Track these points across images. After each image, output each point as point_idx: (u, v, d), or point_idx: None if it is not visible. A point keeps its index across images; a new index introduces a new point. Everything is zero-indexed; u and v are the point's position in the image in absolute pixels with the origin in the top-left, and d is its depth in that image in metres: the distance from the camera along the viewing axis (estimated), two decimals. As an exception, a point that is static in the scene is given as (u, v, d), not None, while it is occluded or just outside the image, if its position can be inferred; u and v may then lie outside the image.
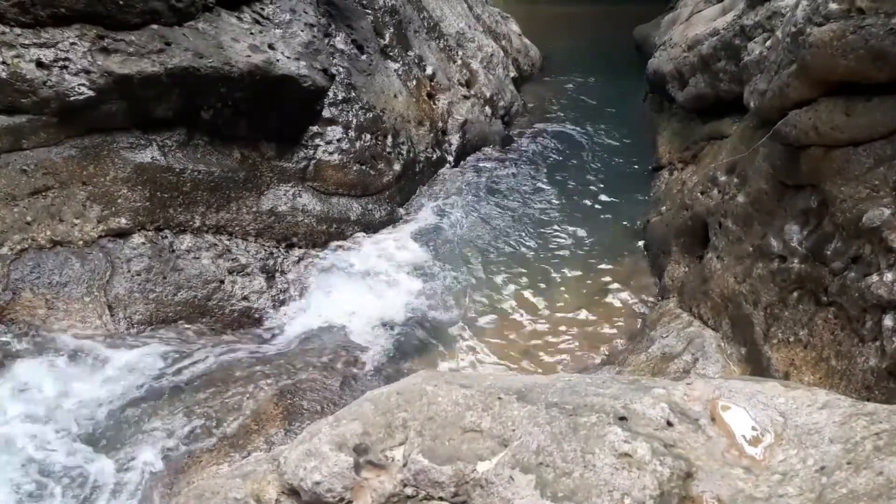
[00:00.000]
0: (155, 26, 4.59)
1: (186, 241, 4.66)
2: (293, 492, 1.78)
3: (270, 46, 5.18)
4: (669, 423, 1.58)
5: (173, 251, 4.56)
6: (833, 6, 2.85)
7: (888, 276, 2.74)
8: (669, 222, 4.97)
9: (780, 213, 3.56)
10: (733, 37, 5.15)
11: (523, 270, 5.44)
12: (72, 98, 4.19)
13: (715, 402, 1.62)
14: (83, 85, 4.21)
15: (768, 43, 4.24)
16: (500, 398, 1.78)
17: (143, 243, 4.46)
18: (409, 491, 1.65)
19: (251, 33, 5.16)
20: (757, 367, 3.51)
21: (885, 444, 1.27)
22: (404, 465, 1.69)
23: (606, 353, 4.49)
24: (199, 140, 4.90)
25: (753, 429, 1.54)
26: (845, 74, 2.93)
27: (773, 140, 3.52)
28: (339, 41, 6.10)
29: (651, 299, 5.01)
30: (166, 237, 4.59)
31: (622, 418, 1.60)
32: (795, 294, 3.38)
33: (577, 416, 1.64)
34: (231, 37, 4.98)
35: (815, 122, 3.14)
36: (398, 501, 1.65)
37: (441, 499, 1.61)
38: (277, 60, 5.10)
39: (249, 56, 4.94)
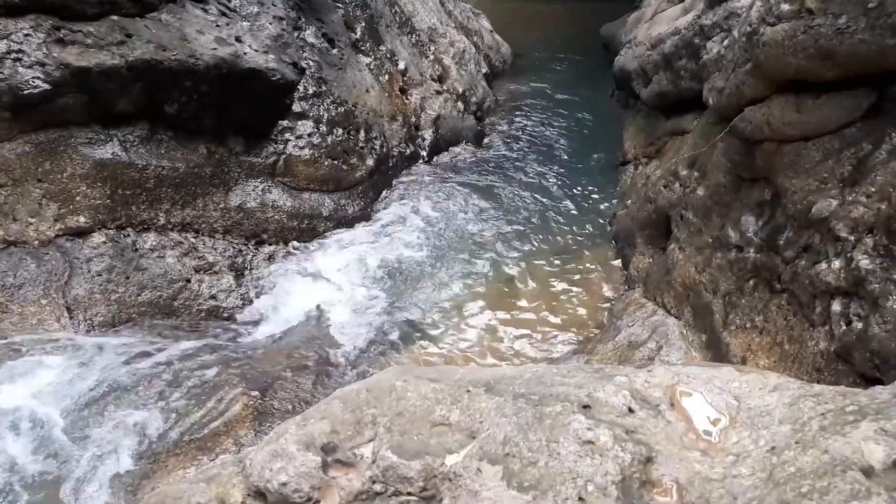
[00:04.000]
0: (115, 17, 4.45)
1: (150, 239, 4.56)
2: (259, 494, 1.77)
3: (237, 39, 5.08)
4: (631, 410, 1.63)
5: (136, 250, 4.46)
6: (784, 7, 2.94)
7: (836, 264, 2.86)
8: (634, 215, 5.07)
9: (736, 205, 3.67)
10: (693, 36, 5.27)
11: (495, 264, 5.49)
12: (26, 91, 4.05)
13: (674, 388, 1.68)
14: (38, 78, 4.08)
15: (725, 42, 4.36)
16: (468, 391, 1.81)
17: (104, 242, 4.35)
18: (377, 488, 1.67)
19: (217, 26, 5.04)
20: (717, 352, 3.61)
21: (830, 424, 1.33)
22: (373, 462, 1.70)
23: (576, 342, 4.56)
24: (162, 135, 4.77)
25: (710, 413, 1.60)
26: (796, 73, 3.04)
27: (730, 135, 3.63)
28: (310, 35, 6.03)
29: (618, 290, 5.11)
30: (129, 236, 4.49)
31: (586, 406, 1.65)
32: (751, 282, 3.49)
33: (542, 405, 1.67)
34: (196, 29, 4.86)
35: (768, 118, 3.24)
36: (366, 499, 1.67)
37: (409, 494, 1.63)
38: (245, 53, 5.01)
39: (215, 49, 4.83)
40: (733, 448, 1.49)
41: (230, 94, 4.92)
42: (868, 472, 1.17)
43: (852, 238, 2.83)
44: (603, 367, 1.93)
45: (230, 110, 5.02)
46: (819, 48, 2.85)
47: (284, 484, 1.72)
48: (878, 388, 1.54)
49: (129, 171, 4.55)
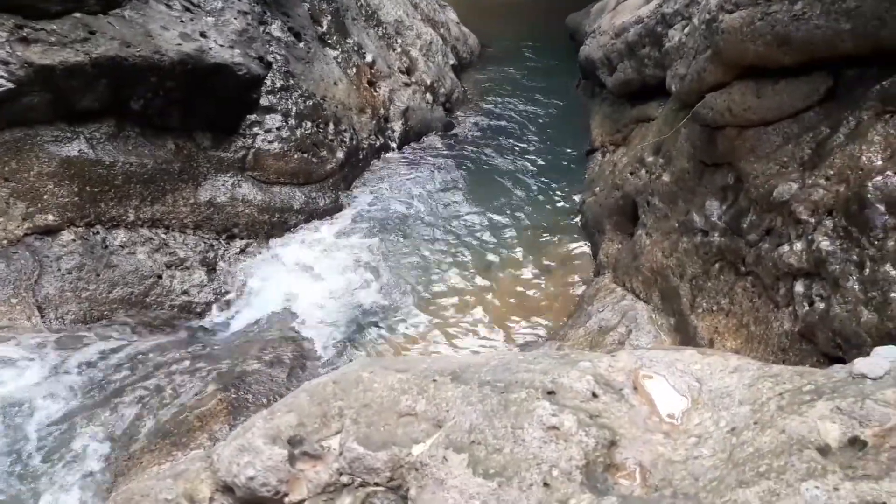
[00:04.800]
0: (78, 14, 4.35)
1: (120, 236, 4.48)
2: (228, 489, 1.73)
3: (202, 34, 5.00)
4: (595, 395, 1.61)
5: (106, 247, 4.37)
6: (742, -7, 2.93)
7: (797, 246, 2.87)
8: (603, 202, 5.06)
9: (701, 190, 3.68)
10: (656, 24, 5.27)
11: (467, 253, 5.46)
12: (-11, 91, 3.93)
13: (637, 371, 1.66)
14: (2, 77, 3.96)
15: (686, 30, 4.36)
16: (434, 380, 1.78)
17: (73, 240, 4.26)
18: (344, 479, 1.63)
19: (181, 21, 4.96)
20: (685, 335, 3.62)
21: (788, 404, 1.32)
22: (340, 454, 1.66)
23: (549, 329, 4.56)
24: (129, 131, 4.69)
25: (672, 395, 1.59)
26: (755, 59, 3.03)
27: (693, 122, 3.63)
28: (275, 29, 5.93)
29: (589, 276, 5.11)
30: (98, 233, 4.40)
31: (550, 392, 1.62)
32: (717, 266, 3.51)
33: (508, 392, 1.65)
34: (160, 25, 4.78)
35: (729, 104, 3.24)
36: (334, 491, 1.63)
37: (377, 484, 1.59)
38: (210, 48, 4.92)
39: (180, 44, 4.76)
40: (695, 430, 1.48)
41: (196, 90, 4.83)
42: (824, 450, 1.16)
43: (813, 220, 2.84)
44: (568, 352, 1.91)
45: (197, 105, 4.93)
46: (776, 34, 2.85)
47: (252, 478, 1.69)
48: (836, 367, 1.53)
49: (97, 168, 4.46)
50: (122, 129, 4.66)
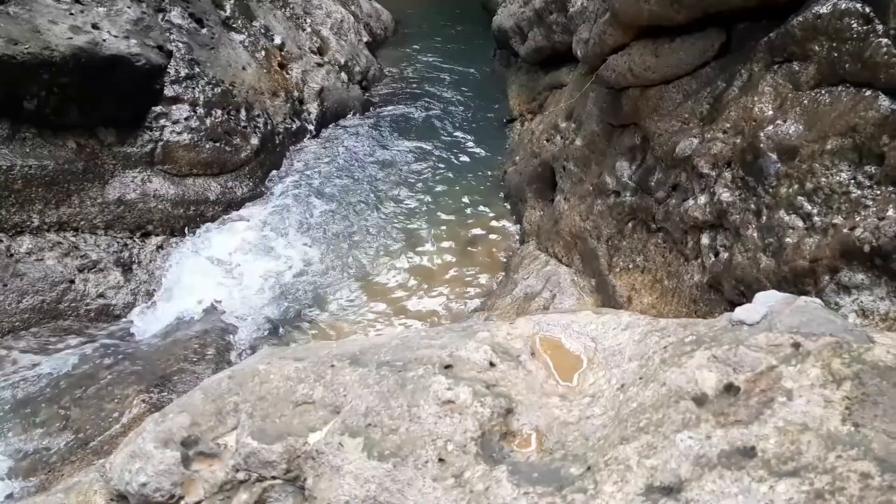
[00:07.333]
0: (-42, 14, 4.01)
1: (26, 242, 4.17)
2: (122, 497, 1.61)
3: (94, 26, 4.65)
4: (492, 364, 1.56)
5: (11, 255, 4.07)
6: (631, -48, 2.90)
7: (701, 199, 2.90)
8: (522, 171, 5.04)
9: (611, 152, 3.68)
10: (561, -11, 5.23)
11: (393, 230, 5.34)
12: None
13: (534, 337, 1.61)
14: None
15: (588, -7, 4.33)
16: (332, 366, 1.68)
17: (-26, 251, 3.95)
18: (241, 476, 1.53)
19: (71, 14, 4.60)
20: (605, 295, 3.65)
21: (670, 356, 1.29)
22: (236, 451, 1.56)
23: (478, 300, 4.52)
24: (25, 133, 4.37)
25: (568, 358, 1.55)
26: (650, 18, 3.02)
27: (598, 85, 3.61)
28: (175, 16, 5.58)
29: (514, 244, 5.10)
30: (1, 241, 4.10)
31: (448, 366, 1.55)
32: (630, 225, 3.53)
33: (405, 371, 1.57)
34: (48, 19, 4.43)
35: (629, 64, 3.23)
36: (231, 489, 1.53)
37: (274, 478, 1.50)
38: (104, 40, 4.57)
39: (71, 38, 4.41)
40: (589, 389, 1.45)
41: (93, 84, 4.50)
42: (700, 400, 1.14)
43: (713, 173, 2.87)
44: (471, 324, 1.85)
45: (96, 100, 4.59)
46: (667, -8, 2.84)
47: (144, 484, 1.58)
48: (724, 315, 1.52)
49: (-7, 173, 4.12)
50: (18, 131, 4.34)
